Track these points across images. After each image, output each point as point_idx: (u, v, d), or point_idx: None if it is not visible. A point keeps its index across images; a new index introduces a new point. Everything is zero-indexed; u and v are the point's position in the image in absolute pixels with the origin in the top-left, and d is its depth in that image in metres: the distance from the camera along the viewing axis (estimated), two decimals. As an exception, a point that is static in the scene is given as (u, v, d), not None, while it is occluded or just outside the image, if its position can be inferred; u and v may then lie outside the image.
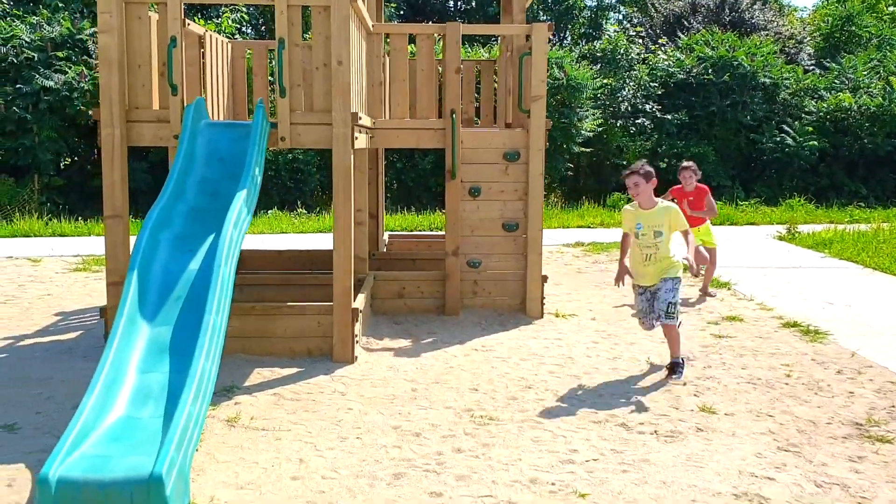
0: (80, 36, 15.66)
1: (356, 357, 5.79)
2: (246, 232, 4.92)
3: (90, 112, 14.95)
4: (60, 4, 16.76)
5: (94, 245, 11.53)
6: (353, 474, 3.89)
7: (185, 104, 5.64)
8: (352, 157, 5.69)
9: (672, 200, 7.01)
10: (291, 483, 3.78)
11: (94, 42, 15.74)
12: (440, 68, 7.73)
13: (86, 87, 14.92)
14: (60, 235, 12.72)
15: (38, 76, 14.83)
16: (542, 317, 7.09)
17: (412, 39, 7.96)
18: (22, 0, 17.40)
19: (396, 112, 7.19)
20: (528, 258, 7.12)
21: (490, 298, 7.31)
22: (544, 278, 7.16)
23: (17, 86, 14.89)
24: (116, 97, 5.54)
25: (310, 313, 5.83)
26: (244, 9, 19.72)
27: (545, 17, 28.31)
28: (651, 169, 5.49)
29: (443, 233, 11.33)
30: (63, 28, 15.57)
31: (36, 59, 15.15)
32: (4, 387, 5.19)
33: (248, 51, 8.25)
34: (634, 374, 5.56)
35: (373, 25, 7.02)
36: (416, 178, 17.29)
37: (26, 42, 15.32)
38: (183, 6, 5.58)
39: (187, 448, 3.54)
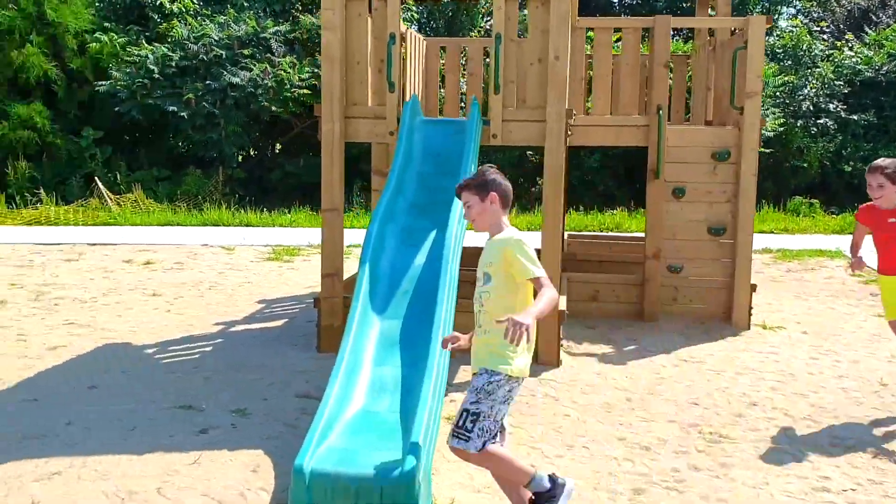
0: (264, 34, 16.35)
1: (561, 361, 5.64)
2: (467, 227, 4.85)
3: (272, 108, 15.63)
4: (245, 4, 17.55)
5: (280, 235, 12.00)
6: (590, 486, 3.74)
7: (401, 101, 5.67)
8: (564, 154, 5.54)
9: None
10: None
11: (276, 40, 16.42)
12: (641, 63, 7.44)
13: (269, 84, 15.56)
14: (247, 225, 13.32)
15: (225, 73, 15.61)
16: (748, 328, 6.68)
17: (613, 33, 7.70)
18: (209, 0, 18.36)
19: (597, 108, 6.98)
20: (737, 264, 6.72)
21: (690, 306, 6.97)
22: (753, 287, 6.75)
23: (207, 82, 15.74)
24: (337, 93, 5.64)
25: (515, 313, 5.71)
26: (414, 8, 20.02)
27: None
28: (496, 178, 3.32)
29: (624, 234, 11.06)
30: (249, 27, 16.31)
31: (224, 56, 15.96)
32: (227, 371, 5.39)
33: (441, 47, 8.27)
34: (867, 395, 5.11)
35: (577, 20, 6.84)
36: (580, 176, 16.96)
37: (215, 40, 16.16)
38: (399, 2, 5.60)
39: (429, 447, 3.49)
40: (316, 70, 15.93)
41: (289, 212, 14.91)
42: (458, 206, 4.76)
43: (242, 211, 14.39)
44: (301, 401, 4.79)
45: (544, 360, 5.57)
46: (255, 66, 15.79)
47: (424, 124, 5.56)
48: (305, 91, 15.64)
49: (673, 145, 6.83)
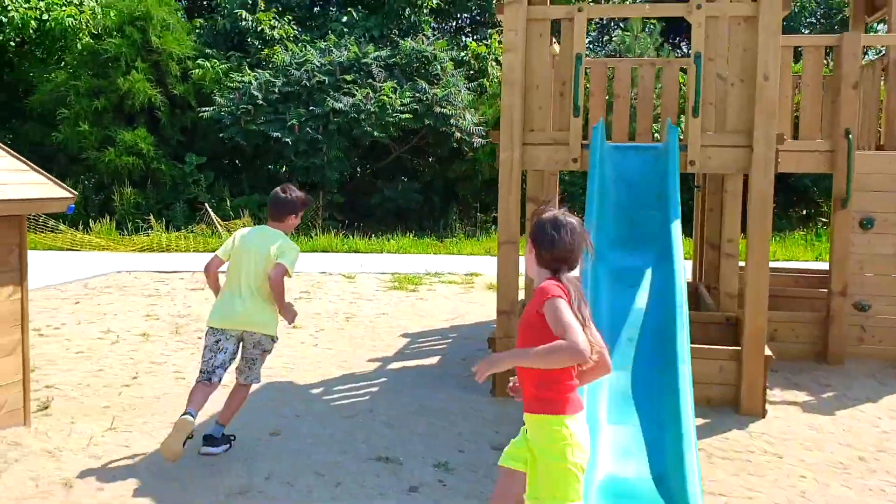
0: (365, 60, 16.24)
1: (766, 411, 5.12)
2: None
3: (374, 133, 15.46)
4: (345, 30, 17.51)
5: (393, 262, 11.73)
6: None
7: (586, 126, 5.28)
8: (772, 181, 5.06)
9: None
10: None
11: (377, 65, 16.30)
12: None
13: (372, 109, 15.40)
14: (355, 251, 13.11)
15: (328, 98, 15.52)
16: (952, 373, 6.06)
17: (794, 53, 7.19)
18: (309, 26, 18.41)
19: (773, 132, 6.46)
20: (937, 303, 6.12)
21: (880, 347, 6.37)
22: (957, 327, 6.12)
23: (310, 108, 15.69)
24: (518, 118, 5.28)
25: (711, 357, 5.23)
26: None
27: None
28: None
29: (786, 265, 10.34)
30: (350, 53, 16.22)
31: (326, 82, 15.89)
32: (407, 416, 5.02)
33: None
34: None
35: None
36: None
37: (317, 66, 16.11)
38: (586, 21, 5.23)
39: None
40: (417, 94, 15.76)
41: (392, 237, 14.69)
42: (675, 240, 4.34)
43: (351, 237, 14.21)
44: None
45: (748, 410, 5.05)
46: (357, 91, 15.67)
47: (614, 150, 5.14)
48: (407, 116, 15.45)
49: (859, 172, 6.27)
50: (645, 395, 3.74)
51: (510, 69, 5.24)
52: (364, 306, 8.58)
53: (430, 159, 17.19)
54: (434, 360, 6.49)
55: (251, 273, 4.26)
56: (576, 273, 2.67)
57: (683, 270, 4.14)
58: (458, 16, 19.86)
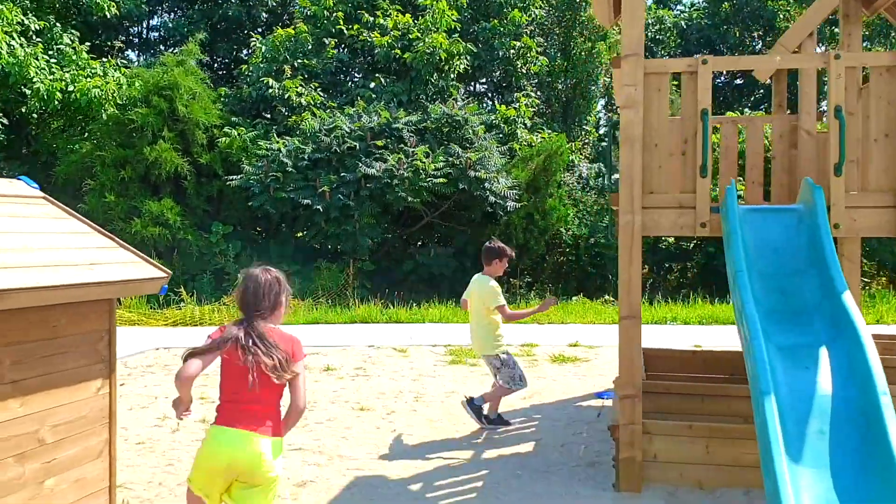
0: (396, 125, 15.96)
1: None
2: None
3: (408, 198, 15.07)
4: (373, 95, 17.31)
5: (442, 333, 11.17)
6: None
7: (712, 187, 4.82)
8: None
9: None
10: None
11: (408, 130, 16.02)
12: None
13: (405, 175, 15.04)
14: (396, 321, 12.56)
15: (360, 164, 15.18)
16: None
17: None
18: (333, 94, 18.23)
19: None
20: None
21: None
22: None
23: (341, 174, 15.33)
24: (638, 179, 4.82)
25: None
26: (533, 94, 19.61)
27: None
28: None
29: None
30: (382, 118, 15.95)
31: (357, 148, 15.58)
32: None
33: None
34: None
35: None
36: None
37: (347, 132, 15.83)
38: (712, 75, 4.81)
39: None
40: (450, 158, 15.43)
41: (431, 305, 14.15)
42: (853, 314, 3.81)
43: (391, 306, 13.67)
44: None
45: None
46: (389, 156, 15.35)
47: (749, 213, 4.66)
48: (441, 180, 15.08)
49: None
50: (848, 500, 3.17)
51: (629, 126, 4.80)
52: (429, 384, 8.00)
53: (463, 224, 16.78)
54: (529, 446, 5.90)
55: (473, 311, 6.46)
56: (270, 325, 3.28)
57: (874, 350, 3.61)
58: (483, 80, 19.70)
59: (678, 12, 26.04)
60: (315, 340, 10.68)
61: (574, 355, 9.45)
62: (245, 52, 22.16)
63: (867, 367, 3.53)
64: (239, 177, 15.77)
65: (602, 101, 23.33)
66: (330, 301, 14.32)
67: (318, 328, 12.02)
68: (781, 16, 24.53)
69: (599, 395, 7.49)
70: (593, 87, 21.36)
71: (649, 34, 24.48)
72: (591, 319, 12.77)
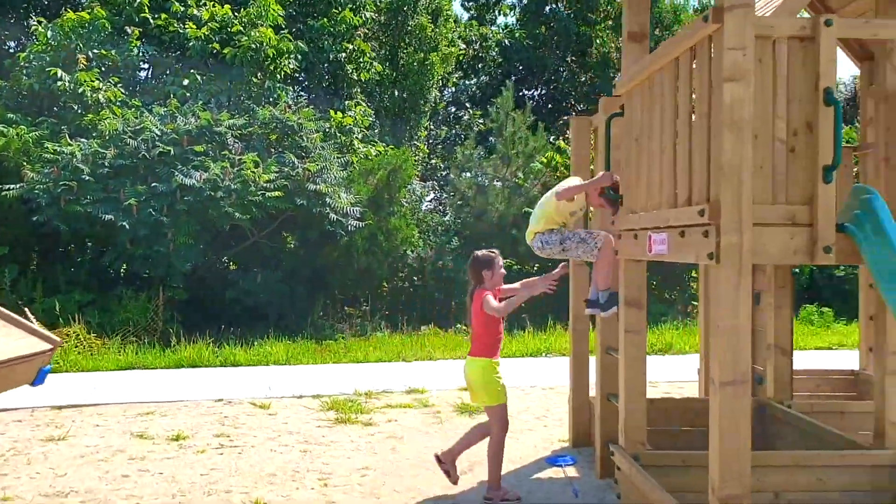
0: (219, 128, 13.64)
1: None
2: None
3: (236, 214, 12.80)
4: (187, 94, 14.82)
5: (301, 379, 9.17)
6: None
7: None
8: None
9: None
10: None
11: (233, 135, 13.75)
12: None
13: (233, 187, 12.77)
14: (234, 364, 10.31)
15: (176, 173, 12.69)
16: None
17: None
18: (138, 90, 15.49)
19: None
20: None
21: None
22: None
23: (152, 185, 12.75)
24: (748, 182, 3.35)
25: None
26: (364, 102, 17.94)
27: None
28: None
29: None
30: (201, 120, 13.55)
31: (172, 153, 13.07)
32: None
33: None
34: None
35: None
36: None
37: (157, 135, 13.28)
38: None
39: None
40: (285, 169, 13.37)
41: (264, 341, 11.99)
42: None
43: (226, 345, 11.33)
44: None
45: None
46: (211, 164, 13.00)
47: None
48: (276, 194, 12.96)
49: None
50: None
51: (736, 105, 3.32)
52: (327, 457, 6.05)
53: (296, 245, 14.70)
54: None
55: None
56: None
57: None
58: (311, 83, 17.74)
59: (499, 29, 25.57)
60: (140, 393, 8.30)
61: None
62: (23, 38, 18.54)
63: None
64: (18, 185, 12.65)
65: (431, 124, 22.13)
66: (142, 339, 11.70)
67: (136, 375, 9.52)
68: (598, 41, 24.77)
69: (554, 462, 5.96)
70: (422, 102, 20.10)
71: (472, 51, 23.74)
72: (461, 354, 11.26)
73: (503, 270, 5.13)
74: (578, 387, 6.34)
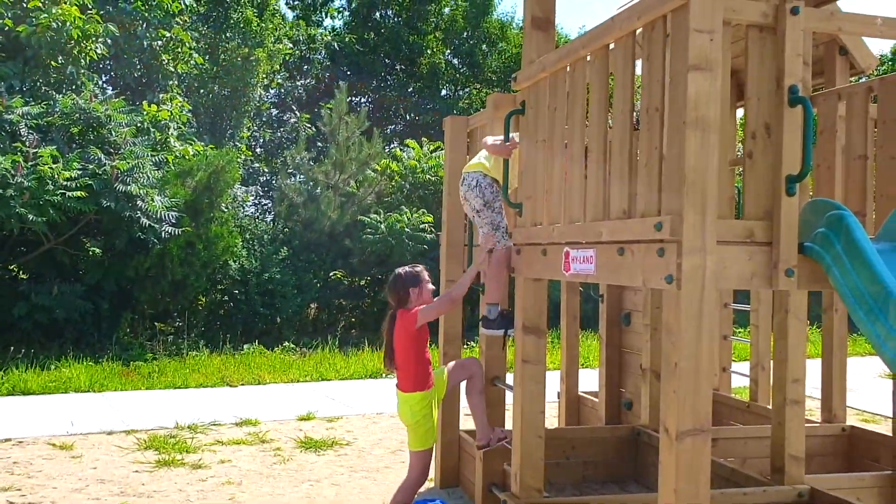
0: (10, 116, 11.78)
1: None
2: None
3: (30, 217, 11.05)
4: (-34, 75, 12.77)
5: (108, 407, 7.86)
6: None
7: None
8: None
9: None
10: None
11: (27, 125, 11.94)
12: None
13: (26, 184, 11.02)
14: (25, 393, 8.73)
15: (-50, 166, 10.77)
16: None
17: None
18: None
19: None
20: None
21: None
22: None
23: (-81, 178, 10.74)
24: (712, 192, 2.80)
25: None
26: (181, 96, 16.37)
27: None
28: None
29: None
30: (-16, 104, 11.64)
31: (-56, 142, 11.12)
32: None
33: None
34: None
35: None
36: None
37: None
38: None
39: None
40: (90, 166, 11.77)
41: (65, 364, 10.39)
42: None
43: (14, 369, 9.61)
44: None
45: None
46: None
47: (887, 255, 2.91)
48: (78, 194, 11.33)
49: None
50: None
51: (701, 100, 2.76)
52: (154, 511, 4.98)
53: (100, 253, 12.99)
54: None
55: None
56: None
57: None
58: (120, 72, 15.93)
59: (326, 31, 24.60)
60: None
61: (324, 436, 6.99)
62: None
63: None
64: None
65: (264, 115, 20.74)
66: None
67: None
68: (428, 51, 24.49)
69: (422, 507, 5.22)
70: (245, 100, 18.78)
71: (298, 51, 22.63)
72: (293, 377, 10.27)
73: (431, 286, 4.51)
74: (447, 419, 5.65)
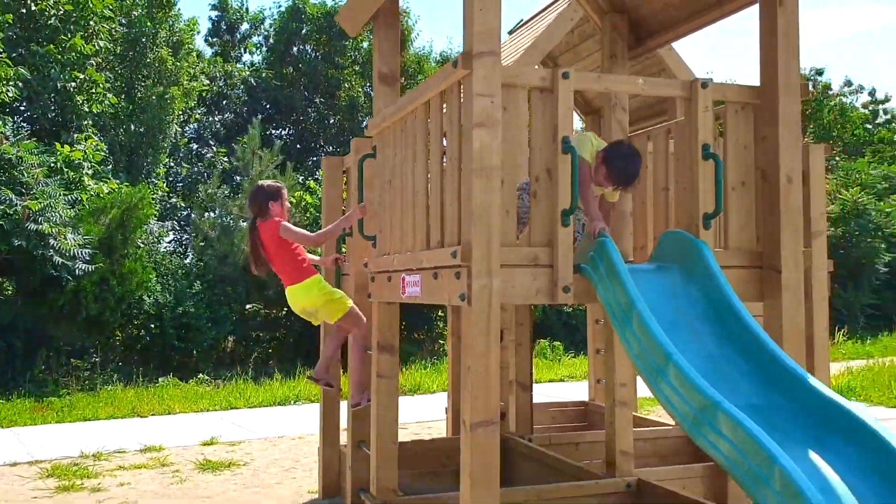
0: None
1: None
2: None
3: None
4: None
5: (13, 442, 8.09)
6: None
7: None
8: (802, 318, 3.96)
9: None
10: None
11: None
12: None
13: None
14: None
15: None
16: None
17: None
18: None
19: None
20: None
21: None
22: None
23: None
24: (497, 227, 3.42)
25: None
26: (95, 135, 16.58)
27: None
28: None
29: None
30: None
31: None
32: None
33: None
34: None
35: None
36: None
37: None
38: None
39: None
40: (1, 206, 11.96)
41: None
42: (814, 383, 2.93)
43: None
44: None
45: None
46: None
47: (634, 274, 3.55)
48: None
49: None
50: None
51: (485, 152, 3.39)
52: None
53: (13, 291, 13.11)
54: None
55: None
56: None
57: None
58: (34, 114, 16.07)
59: (245, 67, 25.02)
60: None
61: (223, 458, 7.40)
62: None
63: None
64: None
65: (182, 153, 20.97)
66: None
67: None
68: (346, 84, 25.08)
69: (306, 516, 5.72)
70: (161, 137, 19.04)
71: (216, 87, 22.99)
72: (203, 406, 10.60)
73: (288, 204, 5.14)
74: (328, 435, 6.16)
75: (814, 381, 3.06)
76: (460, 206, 3.54)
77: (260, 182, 5.18)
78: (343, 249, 6.72)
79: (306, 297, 5.04)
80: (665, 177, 4.77)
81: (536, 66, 6.66)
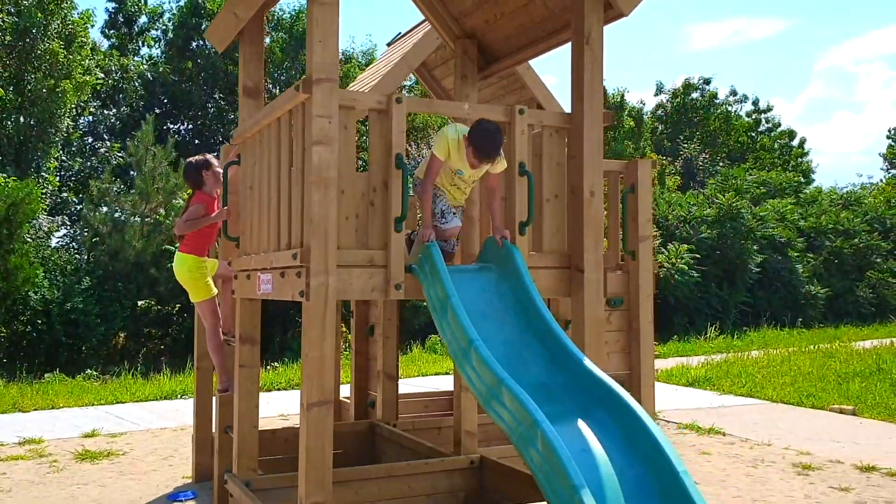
0: None
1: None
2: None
3: None
4: None
5: None
6: None
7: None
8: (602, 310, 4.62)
9: None
10: None
11: None
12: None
13: None
14: None
15: None
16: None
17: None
18: None
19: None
20: (653, 417, 6.32)
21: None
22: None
23: None
24: (333, 232, 3.93)
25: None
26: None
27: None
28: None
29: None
30: None
31: None
32: None
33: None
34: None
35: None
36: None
37: None
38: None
39: None
40: None
41: None
42: (610, 384, 3.56)
43: None
44: None
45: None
46: None
47: (453, 274, 4.12)
48: None
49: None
50: None
51: (323, 167, 3.89)
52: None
53: None
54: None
55: None
56: None
57: (653, 423, 3.37)
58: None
59: (142, 60, 24.73)
60: None
61: (103, 449, 7.65)
62: None
63: (653, 441, 3.26)
64: None
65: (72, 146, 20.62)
66: None
67: None
68: (245, 82, 25.04)
69: (174, 498, 6.07)
70: (52, 131, 18.76)
71: (111, 80, 22.68)
72: (88, 401, 10.71)
73: (219, 170, 5.55)
74: (201, 423, 6.53)
75: (588, 363, 3.69)
76: (302, 213, 4.02)
77: (188, 159, 5.70)
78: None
79: (178, 269, 5.61)
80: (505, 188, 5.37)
81: (395, 86, 7.11)
